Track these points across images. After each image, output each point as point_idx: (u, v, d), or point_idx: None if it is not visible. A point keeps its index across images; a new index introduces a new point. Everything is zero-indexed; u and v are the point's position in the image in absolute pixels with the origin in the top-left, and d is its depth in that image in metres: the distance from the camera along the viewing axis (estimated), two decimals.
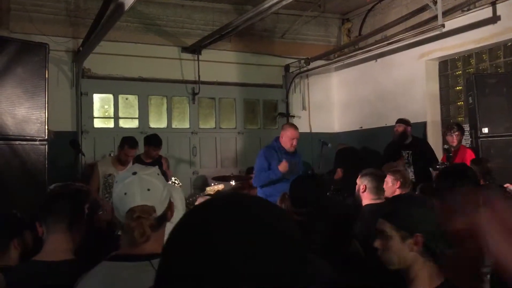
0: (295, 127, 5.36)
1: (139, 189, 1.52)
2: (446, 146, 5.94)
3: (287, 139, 5.21)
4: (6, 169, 4.15)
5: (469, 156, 5.58)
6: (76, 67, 7.28)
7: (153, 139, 6.14)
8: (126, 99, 7.89)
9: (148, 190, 1.53)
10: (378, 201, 3.53)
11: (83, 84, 7.37)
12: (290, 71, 8.84)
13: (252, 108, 8.85)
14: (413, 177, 5.91)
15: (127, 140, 5.63)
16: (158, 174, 1.61)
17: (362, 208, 3.56)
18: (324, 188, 3.43)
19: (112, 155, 6.32)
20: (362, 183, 3.59)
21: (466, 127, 6.47)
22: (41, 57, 4.39)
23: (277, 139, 5.34)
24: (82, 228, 2.08)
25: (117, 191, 1.55)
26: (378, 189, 3.59)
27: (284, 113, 8.90)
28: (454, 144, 5.81)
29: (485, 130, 5.74)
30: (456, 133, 5.80)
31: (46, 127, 4.39)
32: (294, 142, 5.21)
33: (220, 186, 5.07)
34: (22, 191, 4.04)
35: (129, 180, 1.53)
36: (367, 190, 3.56)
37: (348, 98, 8.94)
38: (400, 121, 6.52)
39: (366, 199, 3.57)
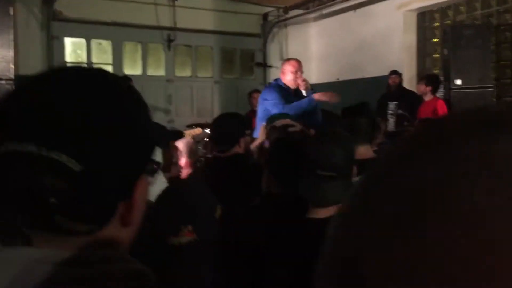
0: (296, 59, 3.95)
1: None
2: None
3: (290, 74, 3.81)
4: None
5: (440, 107, 5.63)
6: (46, 9, 7.02)
7: None
8: (100, 44, 7.70)
9: None
10: None
11: (54, 27, 7.13)
12: (268, 20, 8.69)
13: (230, 57, 8.73)
14: (394, 128, 5.81)
15: None
16: None
17: None
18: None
19: None
20: None
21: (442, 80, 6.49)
22: None
23: (277, 80, 3.97)
24: None
25: None
26: None
27: (261, 63, 8.81)
28: (419, 94, 5.80)
29: (458, 81, 5.76)
30: (420, 83, 5.78)
31: (13, 66, 4.27)
32: (299, 76, 3.83)
33: (197, 130, 5.01)
34: None
35: None
36: None
37: (326, 49, 8.86)
38: (395, 72, 6.30)
39: None
